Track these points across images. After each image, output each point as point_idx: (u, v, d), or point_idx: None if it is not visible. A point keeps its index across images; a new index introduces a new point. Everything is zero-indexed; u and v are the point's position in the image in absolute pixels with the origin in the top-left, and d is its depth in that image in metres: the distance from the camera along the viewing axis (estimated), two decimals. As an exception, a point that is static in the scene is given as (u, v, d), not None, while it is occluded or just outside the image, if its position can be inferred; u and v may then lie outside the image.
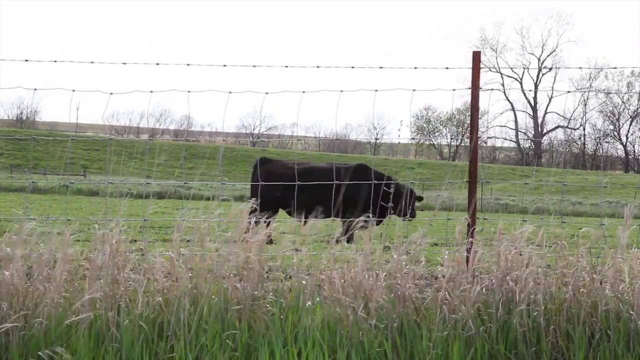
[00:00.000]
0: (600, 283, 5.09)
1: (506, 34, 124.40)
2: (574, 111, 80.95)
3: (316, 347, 4.64)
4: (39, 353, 4.37)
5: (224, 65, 5.99)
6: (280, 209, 11.97)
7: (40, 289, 4.60)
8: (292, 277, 5.12)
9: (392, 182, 11.66)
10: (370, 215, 5.62)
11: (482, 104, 5.91)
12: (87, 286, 4.66)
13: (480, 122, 6.02)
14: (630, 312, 4.92)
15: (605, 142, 78.19)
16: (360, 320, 4.80)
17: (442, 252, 5.55)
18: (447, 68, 6.57)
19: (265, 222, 5.45)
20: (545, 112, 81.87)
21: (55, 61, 5.92)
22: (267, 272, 5.10)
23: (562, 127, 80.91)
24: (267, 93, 6.05)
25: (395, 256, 5.18)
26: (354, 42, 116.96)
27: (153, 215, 5.75)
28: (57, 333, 4.47)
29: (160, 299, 4.74)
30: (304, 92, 6.02)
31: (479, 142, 5.95)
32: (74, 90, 5.71)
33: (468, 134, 6.16)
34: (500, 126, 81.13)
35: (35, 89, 5.77)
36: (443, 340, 4.76)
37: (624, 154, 78.39)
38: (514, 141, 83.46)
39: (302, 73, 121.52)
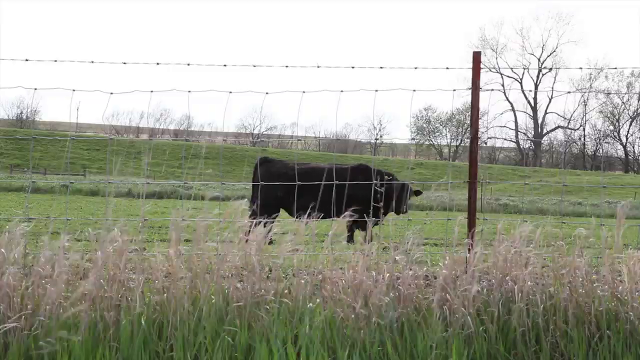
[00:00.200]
0: (598, 283, 5.09)
1: (506, 34, 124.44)
2: (574, 111, 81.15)
3: (316, 347, 4.64)
4: (41, 343, 4.36)
5: (224, 65, 6.00)
6: (282, 209, 11.95)
7: (39, 290, 4.60)
8: (292, 277, 5.12)
9: (393, 181, 11.69)
10: (371, 215, 5.62)
11: (482, 104, 5.91)
12: (86, 285, 4.66)
13: (480, 122, 6.02)
14: (630, 312, 4.93)
15: (605, 142, 78.23)
16: (361, 320, 4.80)
17: (442, 252, 5.56)
18: (447, 68, 6.58)
19: (266, 222, 5.45)
20: (545, 113, 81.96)
21: (55, 61, 5.93)
22: (267, 272, 5.09)
23: (562, 127, 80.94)
24: (267, 93, 6.07)
25: (395, 256, 5.19)
26: (354, 42, 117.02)
27: (153, 215, 5.75)
28: (56, 332, 4.47)
29: (159, 298, 4.74)
30: (304, 92, 6.03)
31: (479, 142, 5.96)
32: (74, 90, 5.72)
33: (468, 134, 6.17)
34: (500, 126, 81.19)
35: (35, 89, 5.78)
36: (443, 340, 4.76)
37: (623, 155, 78.42)
38: (514, 141, 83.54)
39: (302, 73, 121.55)
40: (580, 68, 8.64)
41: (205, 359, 4.59)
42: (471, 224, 5.73)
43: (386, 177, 11.79)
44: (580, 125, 79.52)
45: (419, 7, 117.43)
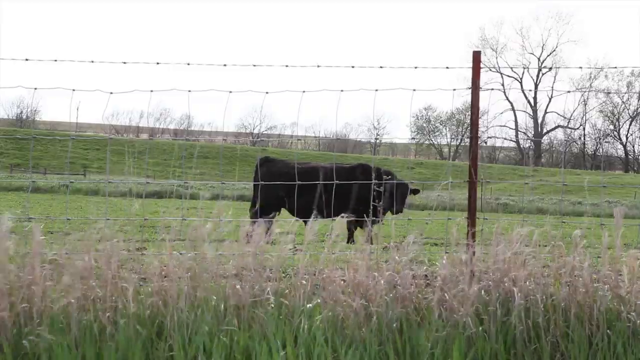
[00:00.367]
0: (599, 282, 5.09)
1: (506, 34, 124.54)
2: (574, 111, 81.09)
3: (317, 348, 4.63)
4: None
5: (224, 65, 5.99)
6: (283, 209, 11.94)
7: (33, 288, 4.58)
8: (292, 277, 5.11)
9: (392, 181, 11.66)
10: (371, 214, 5.61)
11: (482, 104, 5.90)
12: (81, 286, 4.65)
13: (480, 122, 6.02)
14: (631, 313, 4.93)
15: (605, 142, 78.25)
16: (361, 320, 4.79)
17: (442, 252, 5.56)
18: (447, 68, 6.56)
19: (267, 222, 5.44)
20: (545, 112, 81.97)
21: (55, 60, 5.93)
22: (266, 272, 5.08)
23: (562, 127, 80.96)
24: (267, 92, 6.06)
25: (395, 256, 5.18)
26: (354, 42, 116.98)
27: (152, 215, 5.75)
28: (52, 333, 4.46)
29: (158, 298, 4.73)
30: (304, 91, 6.04)
31: (479, 142, 5.96)
32: (74, 90, 5.72)
33: (468, 134, 6.16)
34: (500, 126, 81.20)
35: (35, 88, 5.78)
36: (443, 340, 4.76)
37: (623, 154, 78.42)
38: (514, 141, 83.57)
39: (302, 73, 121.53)
40: (580, 67, 8.63)
41: (204, 358, 4.58)
42: (471, 223, 5.72)
43: (386, 176, 11.73)
44: (580, 125, 79.61)
45: (419, 7, 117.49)
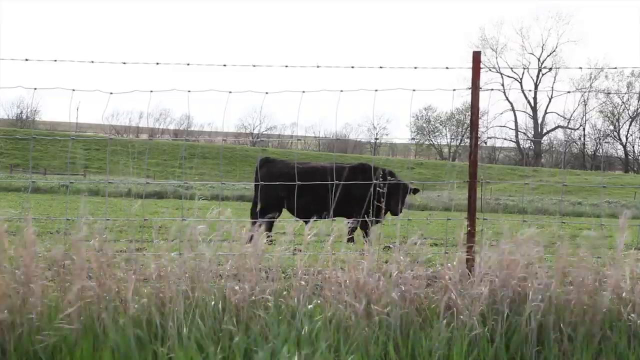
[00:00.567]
0: (602, 284, 5.08)
1: (506, 34, 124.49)
2: (574, 111, 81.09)
3: (317, 348, 4.62)
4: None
5: (224, 65, 5.99)
6: (284, 209, 11.92)
7: (32, 287, 4.57)
8: (292, 277, 5.10)
9: (392, 181, 11.64)
10: (372, 214, 5.61)
11: (482, 104, 5.90)
12: (77, 287, 4.64)
13: (480, 122, 6.01)
14: (632, 314, 4.92)
15: (605, 142, 78.22)
16: (363, 320, 4.78)
17: (442, 252, 5.55)
18: (447, 68, 6.56)
19: (267, 222, 5.43)
20: (545, 112, 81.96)
21: (55, 60, 5.92)
22: (266, 273, 5.07)
23: (562, 127, 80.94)
24: (267, 93, 6.06)
25: (396, 256, 5.17)
26: (353, 42, 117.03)
27: (152, 215, 5.74)
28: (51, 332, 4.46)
29: (156, 299, 4.72)
30: (304, 91, 6.04)
31: (478, 142, 5.95)
32: (74, 90, 5.71)
33: (468, 134, 6.15)
34: (500, 126, 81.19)
35: (35, 89, 5.78)
36: (446, 341, 4.74)
37: (623, 154, 78.41)
38: (513, 141, 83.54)
39: (302, 73, 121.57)
40: (580, 68, 8.62)
41: (203, 358, 4.56)
42: (471, 223, 5.71)
43: (389, 177, 11.67)
44: (580, 125, 79.58)
45: (419, 7, 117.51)
